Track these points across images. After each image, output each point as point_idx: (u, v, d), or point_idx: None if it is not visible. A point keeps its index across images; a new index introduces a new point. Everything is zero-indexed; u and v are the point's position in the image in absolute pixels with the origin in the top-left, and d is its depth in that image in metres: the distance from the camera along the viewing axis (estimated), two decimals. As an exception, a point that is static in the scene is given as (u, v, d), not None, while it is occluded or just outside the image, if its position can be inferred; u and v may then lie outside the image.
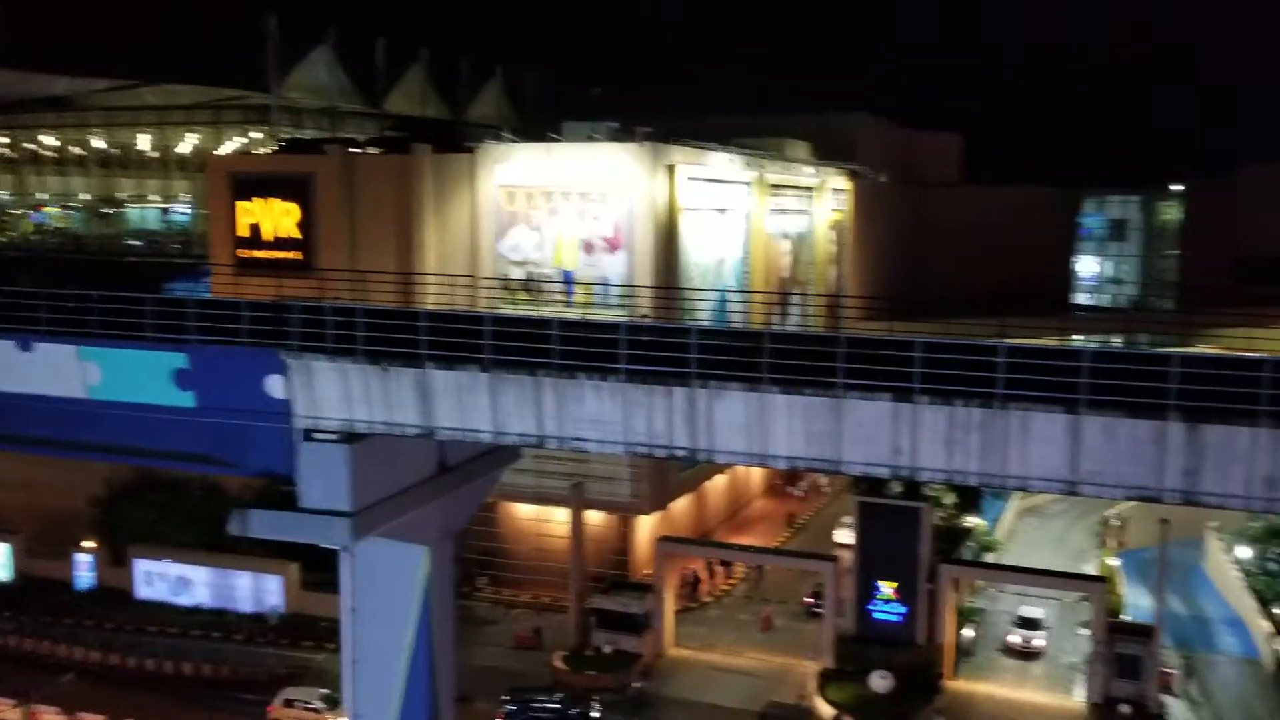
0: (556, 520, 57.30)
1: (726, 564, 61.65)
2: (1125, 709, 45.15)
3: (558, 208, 56.39)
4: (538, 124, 67.92)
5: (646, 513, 58.49)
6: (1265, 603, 55.18)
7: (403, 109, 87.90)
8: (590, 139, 57.43)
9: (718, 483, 69.15)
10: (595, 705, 45.40)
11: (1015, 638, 52.52)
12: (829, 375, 26.94)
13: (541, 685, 47.53)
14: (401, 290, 44.68)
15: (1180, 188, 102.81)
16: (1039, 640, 52.04)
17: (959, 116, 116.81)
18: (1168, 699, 47.50)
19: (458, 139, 66.34)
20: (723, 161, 62.99)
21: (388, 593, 32.49)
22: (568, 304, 56.00)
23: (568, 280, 56.49)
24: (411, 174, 58.87)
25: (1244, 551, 61.74)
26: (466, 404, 29.43)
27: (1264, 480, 25.15)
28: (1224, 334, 61.99)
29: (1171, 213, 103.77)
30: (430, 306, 33.82)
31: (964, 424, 26.34)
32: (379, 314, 30.15)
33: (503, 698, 44.90)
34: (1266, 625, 53.23)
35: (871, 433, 26.99)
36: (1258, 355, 26.01)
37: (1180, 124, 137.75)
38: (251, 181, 61.37)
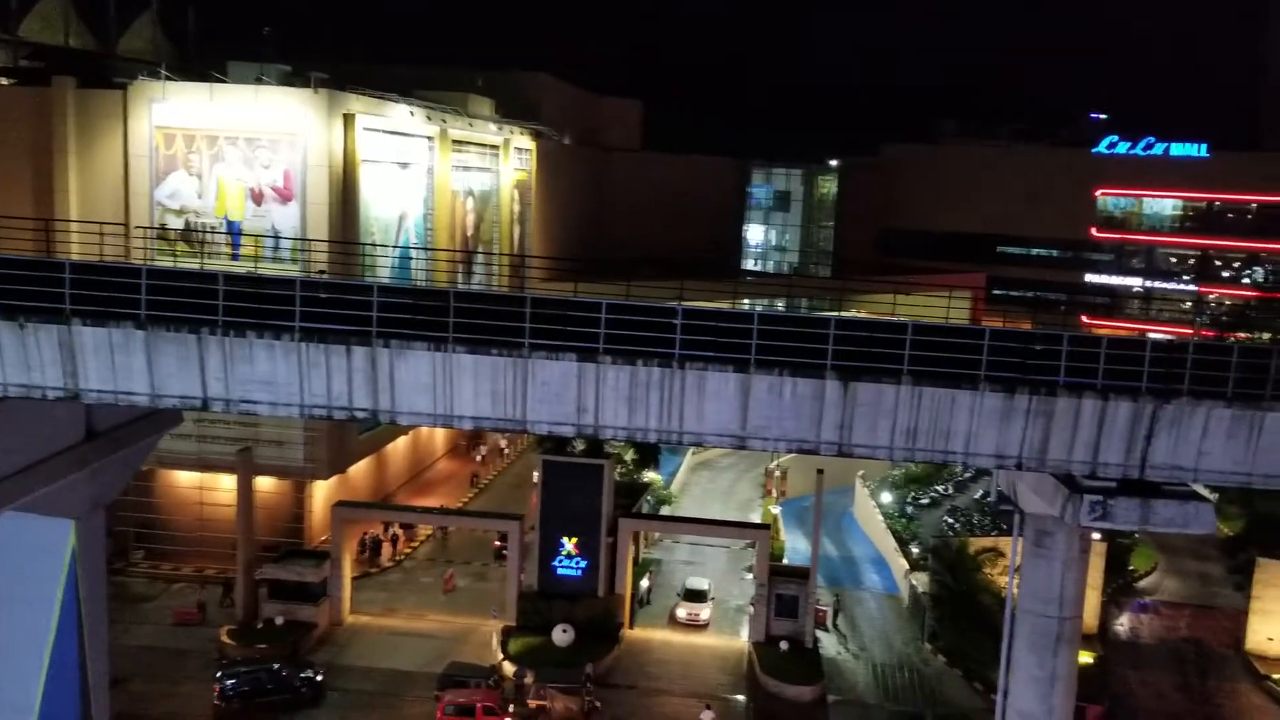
0: (223, 488, 54.06)
1: (408, 527, 60.63)
2: (784, 645, 48.71)
3: (222, 154, 52.66)
4: (200, 63, 62.97)
5: (323, 477, 56.33)
6: (903, 543, 61.22)
7: (41, 37, 78.65)
8: (259, 81, 53.99)
9: (400, 444, 67.74)
10: (318, 668, 44.42)
11: (682, 611, 53.12)
12: (515, 335, 27.02)
13: (250, 658, 45.29)
14: (41, 239, 40.40)
15: (836, 163, 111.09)
16: (705, 613, 53.11)
17: (640, 83, 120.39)
18: (821, 634, 51.72)
19: (107, 74, 60.39)
20: (404, 114, 61.15)
21: (27, 573, 29.67)
22: (234, 257, 52.61)
23: (233, 231, 53.03)
24: (50, 110, 53.48)
25: (886, 497, 68.28)
26: (119, 364, 27.22)
27: (905, 432, 27.81)
28: (872, 300, 68.19)
29: (828, 186, 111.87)
30: (76, 257, 30.85)
31: (644, 383, 27.28)
32: (14, 264, 27.25)
33: (216, 674, 42.95)
34: (904, 563, 59.10)
35: (557, 392, 27.39)
36: (901, 320, 28.63)
37: (845, 102, 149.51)
38: None
